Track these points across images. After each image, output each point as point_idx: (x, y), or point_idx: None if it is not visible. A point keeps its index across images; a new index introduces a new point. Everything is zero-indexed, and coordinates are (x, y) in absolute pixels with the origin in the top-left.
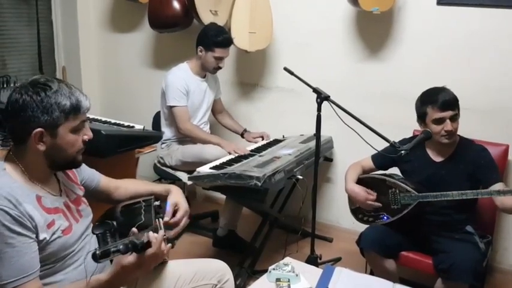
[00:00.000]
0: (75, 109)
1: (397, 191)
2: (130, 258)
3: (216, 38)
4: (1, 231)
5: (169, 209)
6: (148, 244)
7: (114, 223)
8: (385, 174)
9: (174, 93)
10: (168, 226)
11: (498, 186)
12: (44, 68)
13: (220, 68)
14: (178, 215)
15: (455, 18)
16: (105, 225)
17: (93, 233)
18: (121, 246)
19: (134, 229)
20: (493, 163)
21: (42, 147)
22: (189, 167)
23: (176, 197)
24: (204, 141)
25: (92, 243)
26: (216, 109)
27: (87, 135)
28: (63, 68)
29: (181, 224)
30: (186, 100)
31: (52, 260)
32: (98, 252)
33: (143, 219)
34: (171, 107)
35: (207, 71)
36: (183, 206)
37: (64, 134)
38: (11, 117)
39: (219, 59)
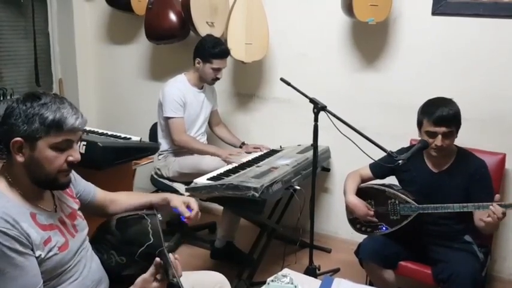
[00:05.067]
0: (57, 125)
1: (397, 202)
2: (154, 284)
3: (214, 49)
4: (3, 252)
5: (181, 208)
6: None
7: (165, 251)
8: (384, 185)
9: (171, 105)
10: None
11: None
12: (40, 80)
13: (218, 79)
14: (195, 207)
15: (450, 29)
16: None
17: (161, 262)
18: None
19: (157, 259)
20: (488, 182)
21: (20, 158)
22: (187, 178)
23: (179, 198)
24: (201, 152)
25: (87, 257)
26: (213, 121)
27: (73, 157)
28: (60, 80)
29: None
30: (182, 112)
31: (48, 277)
32: (175, 280)
33: (152, 239)
34: (167, 118)
35: (205, 82)
36: (191, 199)
37: (43, 149)
38: (1, 124)
39: (217, 70)
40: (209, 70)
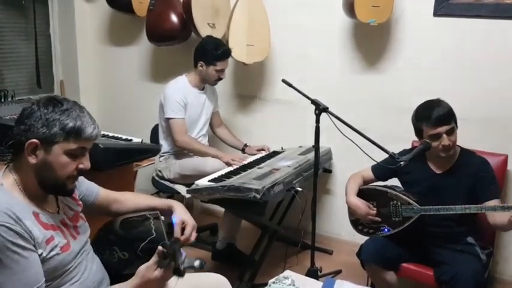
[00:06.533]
0: (76, 132)
1: (399, 203)
2: (156, 272)
3: (216, 51)
4: (6, 247)
5: (176, 228)
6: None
7: (179, 239)
8: (386, 186)
9: (172, 106)
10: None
11: (494, 202)
12: (41, 81)
13: (221, 79)
14: (187, 232)
15: (452, 30)
16: (177, 241)
17: (171, 248)
18: (196, 263)
19: (160, 248)
20: (492, 178)
21: (33, 160)
22: (188, 180)
23: (181, 214)
24: (202, 154)
25: (88, 259)
26: (215, 123)
27: (84, 164)
28: (61, 81)
29: (191, 240)
30: (184, 113)
31: (49, 278)
32: (181, 267)
33: (154, 234)
34: (169, 119)
35: (208, 84)
36: (190, 222)
37: (58, 154)
38: (17, 123)
39: (221, 71)
40: (213, 72)
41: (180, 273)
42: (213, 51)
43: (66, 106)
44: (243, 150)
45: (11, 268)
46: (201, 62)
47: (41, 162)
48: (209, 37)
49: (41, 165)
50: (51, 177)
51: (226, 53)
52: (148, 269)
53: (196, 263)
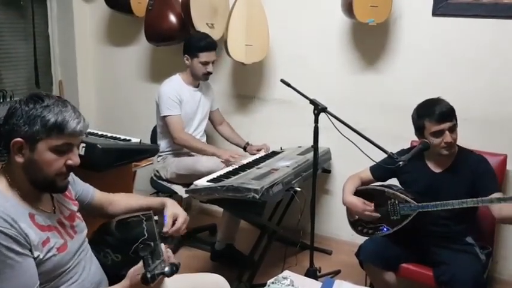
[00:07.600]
0: (59, 128)
1: (397, 202)
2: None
3: (199, 43)
4: (0, 251)
5: (168, 220)
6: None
7: (152, 244)
8: (383, 185)
9: (167, 103)
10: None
11: (496, 195)
12: (40, 82)
13: (209, 73)
14: (178, 223)
15: (450, 29)
16: (148, 247)
17: (140, 255)
18: (166, 269)
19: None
20: (492, 173)
21: (20, 159)
22: (184, 179)
23: (173, 208)
24: (200, 151)
25: (86, 259)
26: (216, 121)
27: (73, 160)
28: (60, 82)
29: (181, 232)
30: (179, 109)
31: (46, 278)
32: (148, 275)
33: (146, 234)
34: (165, 117)
35: (198, 79)
36: (182, 214)
37: (42, 151)
38: (3, 123)
39: (205, 63)
40: (198, 65)
41: (147, 281)
42: (195, 43)
43: (47, 102)
44: (244, 149)
45: (5, 273)
46: (186, 56)
47: (27, 160)
48: (196, 32)
49: (28, 163)
50: (40, 175)
51: (209, 44)
52: (136, 271)
53: (167, 269)
